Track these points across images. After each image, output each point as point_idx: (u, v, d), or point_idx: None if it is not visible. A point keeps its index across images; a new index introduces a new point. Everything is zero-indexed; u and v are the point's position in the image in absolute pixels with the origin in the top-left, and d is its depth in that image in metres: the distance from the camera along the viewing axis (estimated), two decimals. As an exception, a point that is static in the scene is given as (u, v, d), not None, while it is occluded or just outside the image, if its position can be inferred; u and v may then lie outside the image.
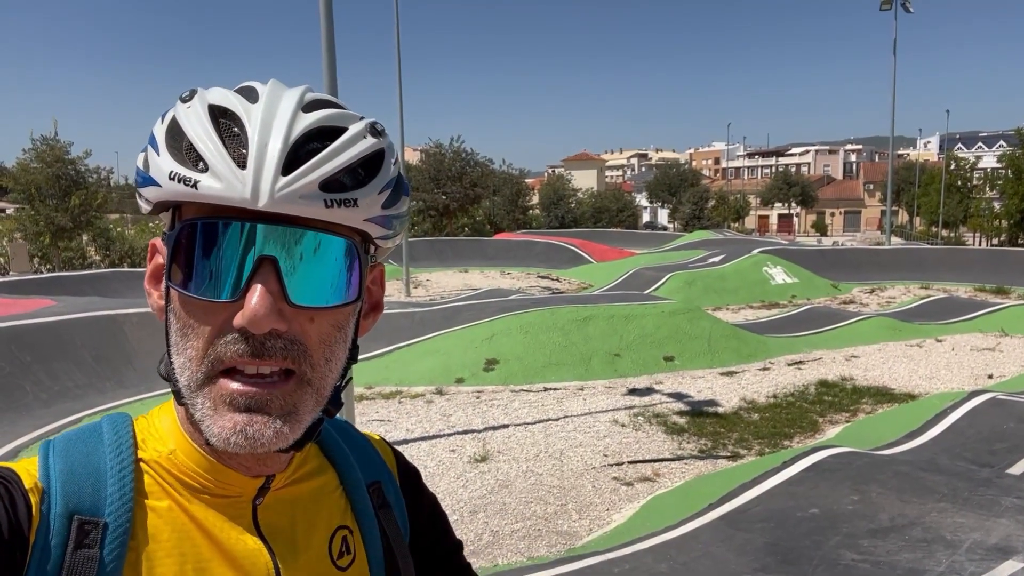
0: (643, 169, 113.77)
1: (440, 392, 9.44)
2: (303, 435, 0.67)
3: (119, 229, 31.49)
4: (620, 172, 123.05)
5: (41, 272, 24.35)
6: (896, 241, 43.33)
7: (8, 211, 37.10)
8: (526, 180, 52.99)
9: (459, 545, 0.94)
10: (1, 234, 28.40)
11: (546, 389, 9.65)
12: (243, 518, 0.71)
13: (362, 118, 0.69)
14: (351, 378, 0.74)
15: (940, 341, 12.72)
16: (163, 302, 0.67)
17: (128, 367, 9.53)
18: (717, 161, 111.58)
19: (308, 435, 0.68)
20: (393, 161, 0.69)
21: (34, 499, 0.64)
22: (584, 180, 70.31)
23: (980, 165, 59.22)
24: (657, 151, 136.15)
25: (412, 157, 48.71)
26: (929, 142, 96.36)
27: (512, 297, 15.32)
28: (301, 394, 0.65)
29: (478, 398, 9.18)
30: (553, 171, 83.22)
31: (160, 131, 0.66)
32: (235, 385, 0.63)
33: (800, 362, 11.31)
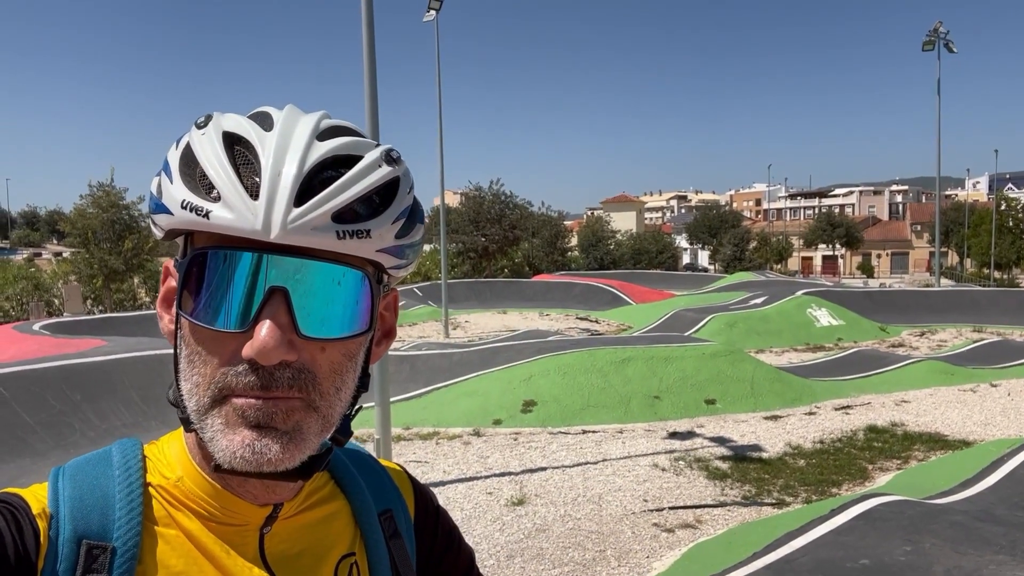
0: (682, 211, 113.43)
1: (477, 433, 9.38)
2: (310, 462, 0.66)
3: (168, 271, 32.34)
4: (659, 214, 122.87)
5: (93, 313, 25.12)
6: (946, 283, 42.15)
7: (64, 254, 38.49)
8: (565, 222, 53.11)
9: (472, 555, 0.93)
10: (57, 276, 29.45)
11: (584, 431, 9.52)
12: (249, 547, 0.71)
13: (378, 145, 0.68)
14: (360, 407, 0.73)
15: (995, 386, 12.24)
16: (173, 327, 0.67)
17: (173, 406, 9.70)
18: (758, 202, 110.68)
19: (316, 463, 0.67)
20: (408, 189, 0.68)
21: (42, 525, 0.64)
22: (623, 222, 70.45)
23: (1032, 205, 57.54)
24: (697, 193, 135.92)
25: (452, 200, 49.42)
26: (978, 182, 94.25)
27: (550, 338, 15.24)
28: (306, 415, 0.64)
29: (515, 440, 9.10)
30: (592, 213, 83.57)
31: (174, 158, 0.65)
32: (246, 400, 0.62)
33: (847, 407, 10.98)
